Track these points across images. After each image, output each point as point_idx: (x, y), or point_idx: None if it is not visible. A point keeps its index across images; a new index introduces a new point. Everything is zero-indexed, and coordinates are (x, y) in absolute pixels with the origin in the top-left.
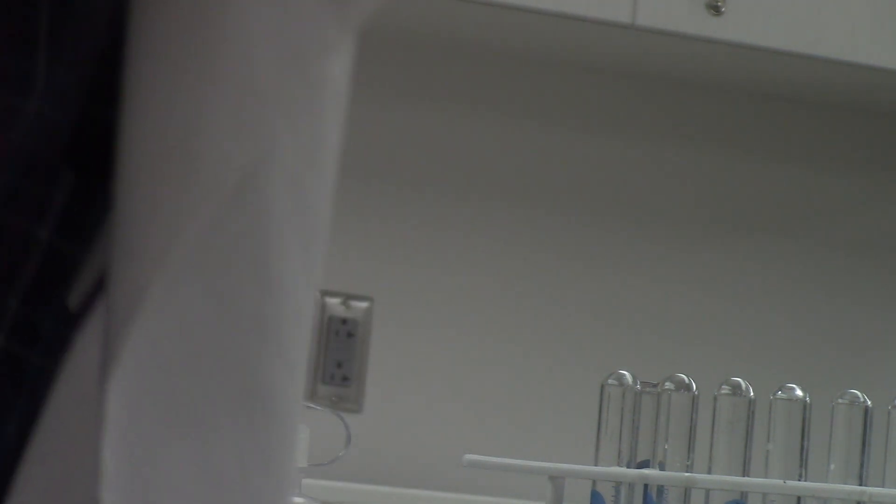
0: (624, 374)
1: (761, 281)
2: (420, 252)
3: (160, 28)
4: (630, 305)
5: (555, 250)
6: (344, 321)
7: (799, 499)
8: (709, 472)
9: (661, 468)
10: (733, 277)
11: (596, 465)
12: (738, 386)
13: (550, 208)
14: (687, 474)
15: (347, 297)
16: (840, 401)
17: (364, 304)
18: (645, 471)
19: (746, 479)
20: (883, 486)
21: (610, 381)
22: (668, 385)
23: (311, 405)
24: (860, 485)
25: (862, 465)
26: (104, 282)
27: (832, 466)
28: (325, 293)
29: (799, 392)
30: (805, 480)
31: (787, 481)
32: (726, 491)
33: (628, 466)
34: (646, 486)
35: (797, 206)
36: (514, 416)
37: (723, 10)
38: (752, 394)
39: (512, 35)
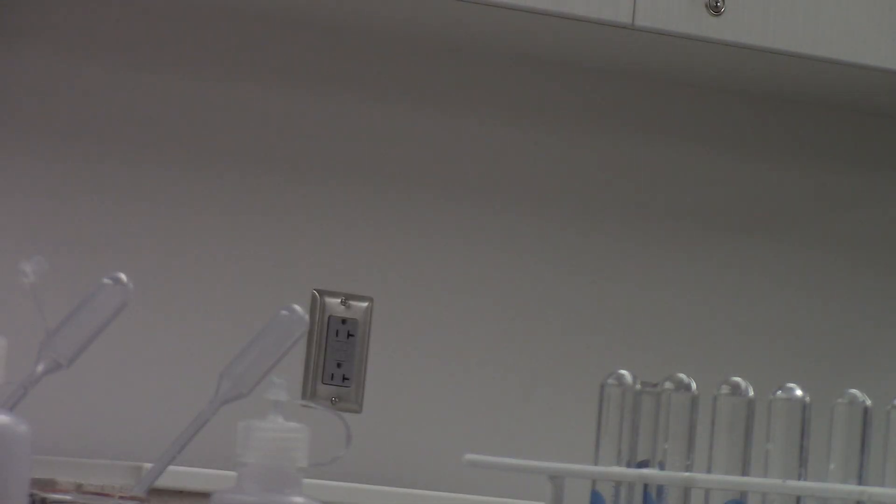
0: (624, 374)
1: (761, 281)
2: (420, 252)
3: None
4: (630, 305)
5: (554, 250)
6: (344, 321)
7: (798, 498)
8: (708, 472)
9: (661, 468)
10: (733, 277)
11: (596, 464)
12: (738, 386)
13: (550, 208)
14: (687, 474)
15: (347, 297)
16: (840, 401)
17: (364, 304)
18: (645, 471)
19: (746, 478)
20: (882, 486)
21: (610, 380)
22: (668, 385)
23: (311, 405)
24: (860, 484)
25: (861, 465)
26: None
27: (832, 466)
28: (325, 293)
29: (799, 392)
30: (805, 480)
31: (787, 481)
32: (726, 491)
33: (628, 466)
34: (645, 485)
35: (797, 206)
36: (514, 416)
37: (722, 10)
38: (751, 394)
39: (512, 35)
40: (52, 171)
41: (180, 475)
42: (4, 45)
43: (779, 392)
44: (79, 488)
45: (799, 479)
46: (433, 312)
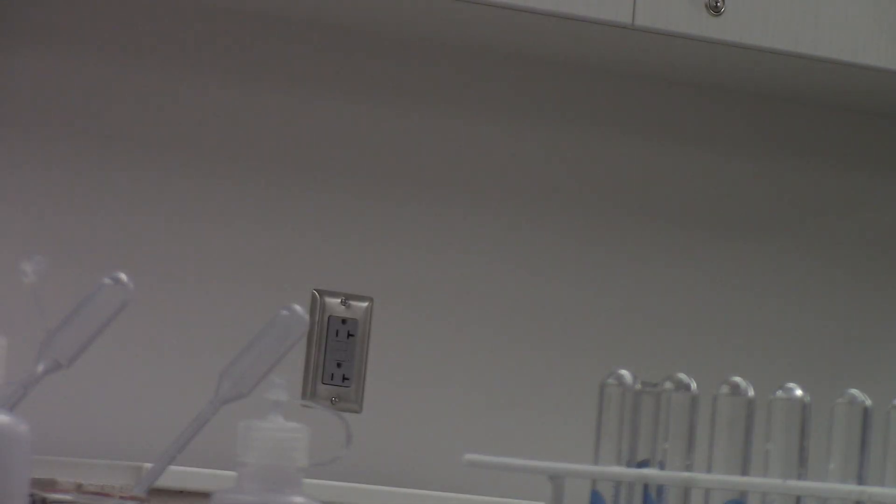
0: (624, 374)
1: (761, 281)
2: (420, 252)
3: None
4: (630, 305)
5: (554, 249)
6: (344, 321)
7: (798, 498)
8: (708, 472)
9: (661, 468)
10: (732, 277)
11: (596, 464)
12: (738, 386)
13: (550, 208)
14: (687, 474)
15: (347, 297)
16: (840, 400)
17: (364, 304)
18: (645, 470)
19: (746, 478)
20: (882, 486)
21: (610, 380)
22: (668, 385)
23: (311, 405)
24: (859, 484)
25: (861, 465)
26: None
27: (832, 466)
28: (325, 293)
29: (799, 392)
30: (805, 480)
31: (787, 481)
32: (726, 490)
33: (628, 466)
34: (645, 485)
35: (796, 206)
36: (514, 415)
37: (722, 10)
38: (751, 394)
39: (512, 35)
40: (51, 171)
41: (180, 475)
42: (4, 45)
43: (779, 392)
44: (79, 488)
45: (799, 479)
46: (433, 312)
